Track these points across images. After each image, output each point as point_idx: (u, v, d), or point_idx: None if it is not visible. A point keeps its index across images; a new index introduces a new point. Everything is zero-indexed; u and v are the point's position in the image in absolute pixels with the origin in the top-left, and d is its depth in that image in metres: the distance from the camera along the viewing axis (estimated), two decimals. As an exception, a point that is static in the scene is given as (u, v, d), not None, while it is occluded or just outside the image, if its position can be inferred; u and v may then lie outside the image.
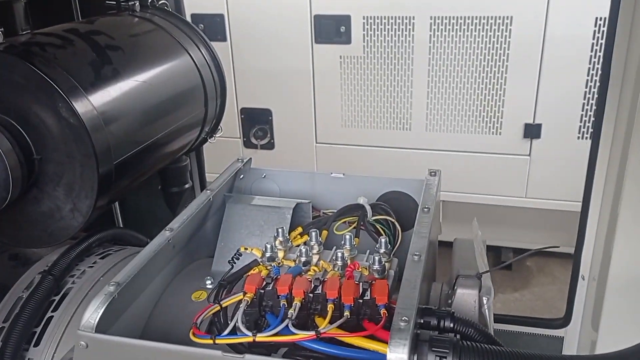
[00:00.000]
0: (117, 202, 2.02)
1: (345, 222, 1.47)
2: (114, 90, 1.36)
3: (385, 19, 3.39)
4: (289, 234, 1.37)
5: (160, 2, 1.75)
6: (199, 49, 1.73)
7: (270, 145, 3.88)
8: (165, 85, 1.56)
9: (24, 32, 1.45)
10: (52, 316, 1.41)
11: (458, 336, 1.04)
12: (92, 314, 1.06)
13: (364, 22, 3.42)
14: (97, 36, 1.41)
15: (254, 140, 3.88)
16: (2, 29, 1.22)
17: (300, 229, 1.43)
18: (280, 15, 3.53)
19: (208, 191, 1.47)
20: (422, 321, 1.07)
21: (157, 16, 1.69)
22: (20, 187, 1.25)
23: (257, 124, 3.86)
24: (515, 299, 3.86)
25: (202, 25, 3.55)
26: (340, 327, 1.04)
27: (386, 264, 1.24)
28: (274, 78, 3.70)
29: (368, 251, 1.32)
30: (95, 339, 1.03)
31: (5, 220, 1.36)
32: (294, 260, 1.27)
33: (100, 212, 1.39)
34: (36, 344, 1.37)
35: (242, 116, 3.87)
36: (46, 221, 1.34)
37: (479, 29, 3.24)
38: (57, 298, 1.43)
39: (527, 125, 3.39)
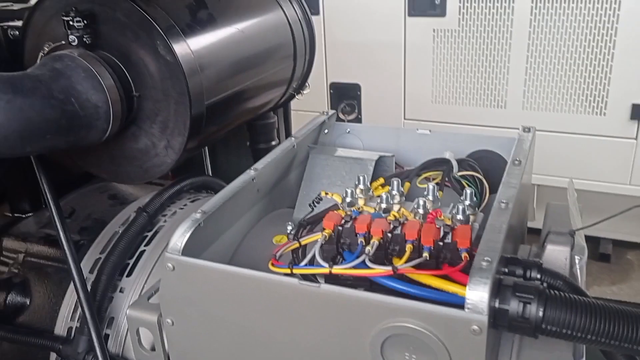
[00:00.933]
0: (208, 155, 2.10)
1: (429, 177, 1.44)
2: (209, 34, 1.41)
3: (483, -11, 3.27)
4: (370, 184, 1.36)
5: (257, -42, 1.79)
6: (292, 4, 1.75)
7: (357, 121, 3.87)
8: (257, 36, 1.59)
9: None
10: (144, 250, 1.49)
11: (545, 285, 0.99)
12: (179, 238, 1.11)
13: (460, -6, 3.32)
14: (195, -16, 1.47)
15: (341, 115, 3.89)
16: (108, -29, 1.30)
17: (382, 180, 1.41)
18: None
19: (292, 138, 1.50)
20: (506, 270, 1.03)
21: (253, -30, 1.73)
22: (120, 122, 1.33)
23: (346, 99, 3.86)
24: (612, 292, 3.62)
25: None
26: (418, 268, 1.02)
27: (471, 216, 1.20)
28: (364, 52, 3.68)
29: (452, 204, 1.28)
30: (181, 261, 1.08)
31: (105, 156, 1.45)
32: (374, 208, 1.26)
33: (191, 154, 1.45)
34: (129, 275, 1.46)
35: (331, 91, 3.88)
36: (142, 157, 1.41)
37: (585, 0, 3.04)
38: (149, 234, 1.52)
39: (634, 106, 3.15)
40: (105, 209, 1.71)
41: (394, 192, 1.27)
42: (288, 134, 2.32)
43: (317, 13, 3.68)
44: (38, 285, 1.57)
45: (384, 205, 1.24)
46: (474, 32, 3.35)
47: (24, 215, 1.72)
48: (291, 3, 1.74)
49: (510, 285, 0.96)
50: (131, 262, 1.47)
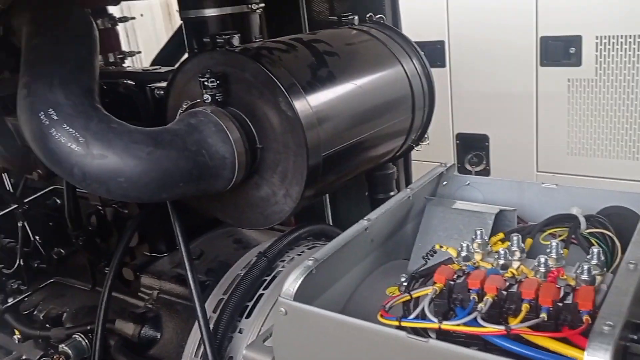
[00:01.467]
0: (329, 202, 2.16)
1: (553, 234, 1.36)
2: (328, 90, 1.49)
3: (622, 38, 3.08)
4: (489, 239, 1.31)
5: (377, 17, 1.86)
6: (411, 59, 1.78)
7: (485, 173, 3.75)
8: (375, 91, 1.64)
9: (257, 40, 1.67)
10: (262, 293, 1.56)
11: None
12: (292, 283, 1.15)
13: (597, 43, 3.15)
14: (317, 44, 1.56)
15: (468, 167, 3.80)
16: (239, 35, 1.43)
17: (501, 235, 1.36)
18: (503, 38, 3.44)
19: (408, 189, 1.50)
20: (635, 337, 0.94)
21: (373, 29, 1.79)
22: (244, 172, 1.42)
23: (473, 150, 3.78)
24: None
25: (422, 53, 3.65)
26: (534, 329, 0.97)
27: (597, 277, 1.11)
28: (492, 103, 3.60)
29: (578, 263, 1.20)
30: (293, 306, 1.11)
31: (230, 203, 1.55)
32: (492, 264, 1.22)
33: (309, 202, 1.51)
34: (248, 316, 1.53)
35: (458, 142, 3.83)
36: (263, 205, 1.49)
37: None
38: (268, 278, 1.59)
39: None
40: (230, 252, 1.81)
41: (514, 248, 1.21)
42: (408, 185, 2.32)
43: (443, 65, 3.69)
44: (168, 321, 1.70)
45: (501, 262, 1.19)
46: (612, 81, 3.15)
47: (160, 255, 1.88)
48: (410, 58, 1.77)
49: (638, 355, 0.87)
50: (250, 304, 1.55)
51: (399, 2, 2.26)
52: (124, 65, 2.20)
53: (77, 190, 1.90)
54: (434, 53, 3.67)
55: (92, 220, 1.91)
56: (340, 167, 1.57)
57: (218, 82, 1.38)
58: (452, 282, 1.09)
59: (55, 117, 1.24)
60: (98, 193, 1.28)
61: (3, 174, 1.99)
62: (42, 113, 1.24)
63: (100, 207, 1.89)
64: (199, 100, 1.41)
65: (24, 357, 2.19)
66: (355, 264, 1.40)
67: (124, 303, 1.94)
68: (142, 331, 1.67)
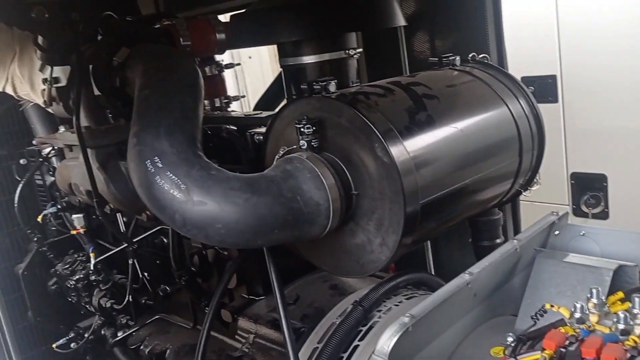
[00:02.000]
0: (430, 249, 2.07)
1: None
2: (426, 135, 1.43)
3: None
4: (606, 298, 1.18)
5: (481, 56, 1.78)
6: (518, 99, 1.68)
7: (603, 215, 3.46)
8: (478, 133, 1.56)
9: (354, 84, 1.65)
10: (357, 345, 1.50)
11: None
12: (387, 341, 1.09)
13: None
14: (415, 87, 1.52)
15: (584, 209, 3.52)
16: (336, 81, 1.43)
17: (621, 294, 1.22)
18: (622, 69, 3.20)
19: (515, 241, 1.39)
20: None
21: (476, 69, 1.72)
22: (339, 219, 1.40)
23: (589, 190, 3.50)
24: None
25: (532, 88, 3.47)
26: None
27: None
28: (611, 139, 3.33)
29: None
30: (387, 365, 1.05)
31: (325, 250, 1.53)
32: (610, 327, 1.09)
33: (406, 250, 1.45)
34: (341, 368, 1.48)
35: (572, 181, 3.57)
36: (358, 252, 1.45)
37: None
38: (364, 329, 1.53)
39: None
40: (325, 298, 1.78)
41: (636, 310, 1.08)
42: (517, 231, 2.18)
43: (555, 101, 3.49)
44: (262, 367, 1.69)
45: (621, 326, 1.06)
46: None
47: (257, 298, 1.89)
48: (517, 98, 1.67)
49: None
50: (345, 355, 1.49)
51: (504, 38, 2.17)
52: (229, 109, 2.28)
53: (182, 230, 1.97)
54: (545, 88, 3.48)
55: (194, 260, 1.96)
56: (440, 214, 1.50)
57: (314, 128, 1.37)
58: (563, 350, 0.99)
59: (160, 165, 1.29)
60: (197, 239, 1.31)
61: (117, 215, 2.12)
62: (149, 161, 1.30)
63: (201, 248, 1.94)
64: (295, 146, 1.42)
65: (129, 391, 2.28)
66: (456, 320, 1.31)
67: (223, 344, 1.97)
68: (237, 376, 1.68)
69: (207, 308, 1.96)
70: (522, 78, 3.41)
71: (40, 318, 2.50)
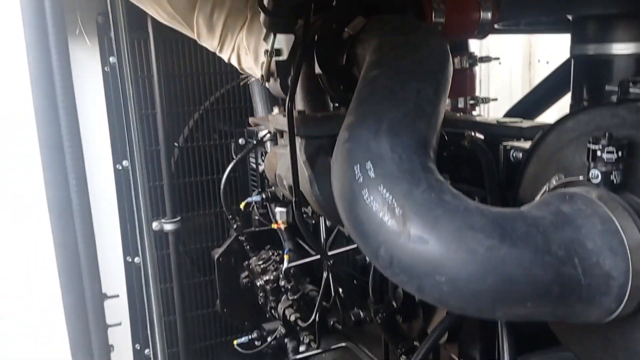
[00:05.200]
0: None
1: None
2: None
3: None
4: None
5: None
6: None
7: None
8: None
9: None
10: None
11: None
12: None
13: None
14: None
15: None
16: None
17: None
18: None
19: None
20: None
21: None
22: (638, 303, 0.86)
23: None
24: None
25: None
26: None
27: None
28: None
29: None
30: None
31: (599, 342, 1.00)
32: None
33: None
34: None
35: None
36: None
37: None
38: None
39: None
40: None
41: None
42: None
43: None
44: None
45: None
46: None
47: (470, 365, 1.42)
48: None
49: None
50: None
51: None
52: (473, 113, 1.83)
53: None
54: None
55: (397, 293, 1.57)
56: None
57: (620, 153, 0.86)
58: None
59: (372, 175, 0.90)
60: (406, 287, 0.90)
61: (320, 219, 1.83)
62: (358, 166, 0.92)
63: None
64: (580, 178, 0.92)
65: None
66: None
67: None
68: None
69: (403, 357, 1.56)
70: None
71: (227, 309, 2.36)
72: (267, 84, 1.61)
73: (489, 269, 0.83)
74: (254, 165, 2.43)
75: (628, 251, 0.84)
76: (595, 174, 0.89)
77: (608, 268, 0.84)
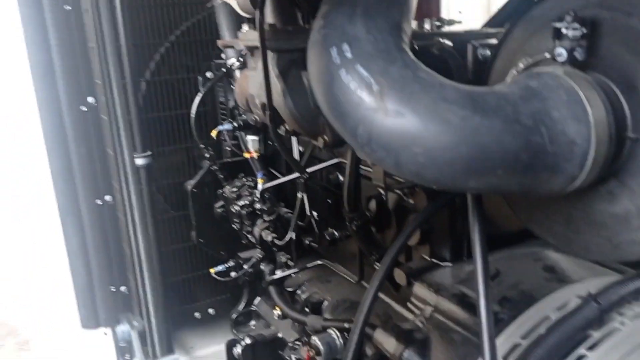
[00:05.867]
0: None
1: None
2: None
3: None
4: None
5: None
6: None
7: None
8: None
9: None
10: (584, 355, 1.04)
11: None
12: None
13: None
14: None
15: None
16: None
17: None
18: None
19: None
20: None
21: None
22: (598, 172, 0.93)
23: None
24: None
25: None
26: None
27: None
28: None
29: None
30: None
31: (559, 215, 1.08)
32: None
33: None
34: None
35: None
36: (615, 227, 0.98)
37: None
38: (595, 335, 1.06)
39: None
40: (537, 281, 1.33)
41: None
42: None
43: None
44: (439, 351, 1.31)
45: None
46: None
47: (441, 263, 1.50)
48: None
49: None
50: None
51: None
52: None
53: (362, 168, 1.64)
54: None
55: (370, 205, 1.63)
56: None
57: (584, 30, 0.91)
58: None
59: (349, 55, 0.93)
60: (383, 165, 0.95)
61: (293, 140, 1.86)
62: (335, 48, 0.95)
63: (382, 192, 1.59)
64: (547, 56, 0.97)
65: (279, 335, 2.07)
66: None
67: (389, 309, 1.63)
68: (405, 355, 1.32)
69: (378, 263, 1.64)
70: None
71: (202, 240, 2.39)
72: (235, 3, 1.61)
73: (463, 138, 0.88)
74: (223, 100, 2.43)
75: (591, 119, 0.91)
76: (560, 51, 0.95)
77: (572, 135, 0.91)
